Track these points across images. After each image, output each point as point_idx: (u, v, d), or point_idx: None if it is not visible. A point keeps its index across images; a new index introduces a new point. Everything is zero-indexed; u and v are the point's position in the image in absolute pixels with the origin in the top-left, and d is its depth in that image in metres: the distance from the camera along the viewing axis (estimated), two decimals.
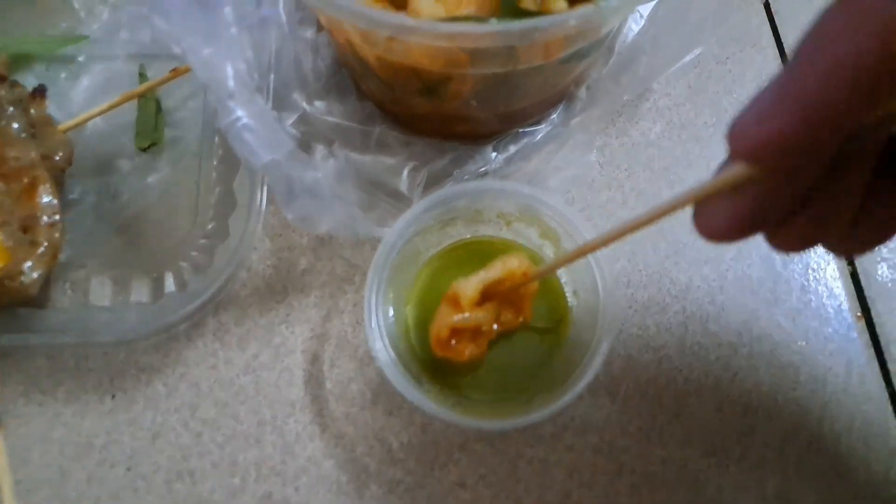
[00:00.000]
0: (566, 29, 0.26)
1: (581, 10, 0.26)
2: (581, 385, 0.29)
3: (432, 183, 0.37)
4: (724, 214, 0.19)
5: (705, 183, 0.19)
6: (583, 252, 0.27)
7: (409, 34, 0.26)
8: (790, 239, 0.20)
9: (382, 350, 0.30)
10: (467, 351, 0.31)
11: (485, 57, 0.29)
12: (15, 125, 0.35)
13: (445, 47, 0.28)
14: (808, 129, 0.15)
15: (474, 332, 0.31)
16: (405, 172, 0.36)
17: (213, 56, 0.28)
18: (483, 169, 0.37)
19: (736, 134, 0.16)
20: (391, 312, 0.33)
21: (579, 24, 0.26)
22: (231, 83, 0.28)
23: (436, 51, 0.29)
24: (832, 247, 0.21)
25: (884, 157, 0.19)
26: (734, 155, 0.17)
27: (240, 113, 0.28)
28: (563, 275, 0.35)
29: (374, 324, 0.31)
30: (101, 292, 0.36)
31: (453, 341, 0.31)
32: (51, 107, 0.37)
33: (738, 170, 0.17)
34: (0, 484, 0.29)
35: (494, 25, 0.26)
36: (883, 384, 0.35)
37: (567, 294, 0.34)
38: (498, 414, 0.30)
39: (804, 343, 0.36)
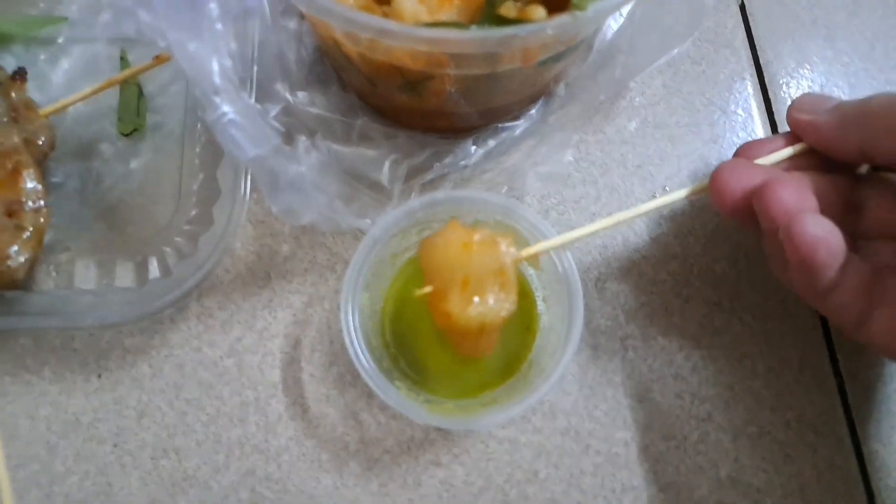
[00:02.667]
0: (543, 37, 0.28)
1: (558, 19, 0.28)
2: (542, 391, 0.32)
3: (413, 175, 0.39)
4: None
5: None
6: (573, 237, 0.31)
7: (391, 38, 0.28)
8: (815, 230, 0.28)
9: (357, 350, 0.32)
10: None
11: (465, 59, 0.31)
12: None
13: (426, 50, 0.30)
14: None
15: None
16: (386, 165, 0.38)
17: (198, 51, 0.30)
18: (463, 163, 0.40)
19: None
20: (367, 310, 0.35)
21: (556, 32, 0.28)
22: (217, 79, 0.29)
23: (417, 51, 0.31)
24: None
25: None
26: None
27: (226, 108, 0.29)
28: (533, 280, 0.37)
29: (349, 321, 0.33)
30: (85, 275, 0.38)
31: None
32: (31, 89, 0.38)
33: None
34: None
35: (474, 32, 0.28)
36: (833, 376, 0.39)
37: (537, 300, 0.37)
38: (466, 412, 0.33)
39: (763, 336, 0.39)
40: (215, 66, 0.29)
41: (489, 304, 0.28)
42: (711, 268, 0.40)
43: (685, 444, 0.38)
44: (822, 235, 0.27)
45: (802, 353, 0.39)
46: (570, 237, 0.30)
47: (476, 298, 0.28)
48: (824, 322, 0.39)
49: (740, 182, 0.29)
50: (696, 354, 0.39)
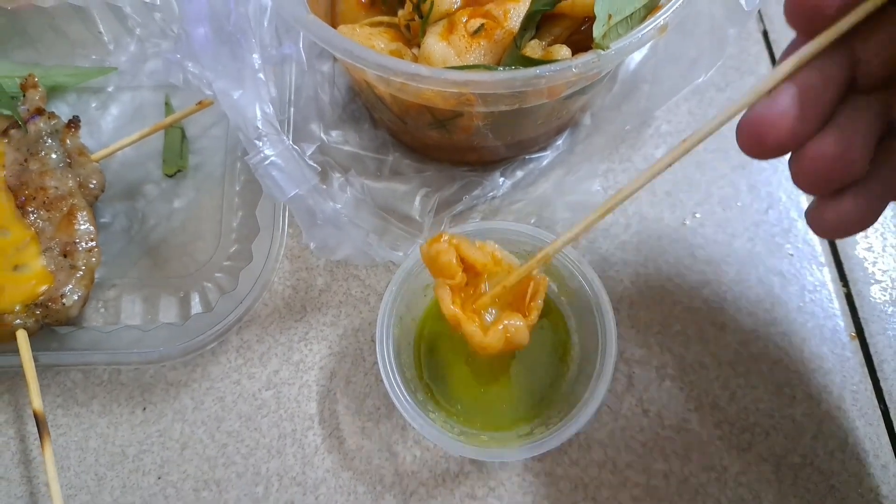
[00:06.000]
0: (568, 76, 0.30)
1: (582, 58, 0.30)
2: (579, 423, 0.33)
3: (443, 208, 0.41)
4: (768, 111, 0.24)
5: (754, 87, 0.24)
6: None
7: (422, 82, 0.30)
8: (815, 160, 0.24)
9: (393, 383, 0.34)
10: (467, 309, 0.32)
11: (493, 97, 0.33)
12: (53, 156, 0.39)
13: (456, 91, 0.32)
14: None
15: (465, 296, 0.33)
16: (417, 199, 0.40)
17: (241, 99, 0.32)
18: (491, 194, 0.41)
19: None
20: (401, 341, 0.37)
21: (581, 71, 0.30)
22: (259, 124, 0.32)
23: (447, 92, 0.33)
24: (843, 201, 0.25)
25: None
26: (789, 13, 0.24)
27: (267, 152, 0.32)
28: (566, 309, 0.38)
29: (384, 354, 0.34)
30: (131, 311, 0.41)
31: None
32: (83, 135, 0.41)
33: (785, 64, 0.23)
34: (50, 489, 0.33)
35: (501, 74, 0.30)
36: (875, 402, 0.39)
37: (570, 329, 0.38)
38: (501, 444, 0.34)
39: (800, 363, 0.39)
40: (258, 113, 0.32)
41: None
42: (745, 294, 0.41)
43: (726, 476, 0.38)
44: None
45: (843, 377, 0.39)
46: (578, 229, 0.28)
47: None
48: (865, 346, 0.39)
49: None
50: (734, 383, 0.39)
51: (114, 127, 0.44)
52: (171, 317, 0.41)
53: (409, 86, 0.33)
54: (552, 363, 0.37)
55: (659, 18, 0.30)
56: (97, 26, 0.45)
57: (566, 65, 0.30)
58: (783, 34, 0.46)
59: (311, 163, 0.34)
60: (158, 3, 0.44)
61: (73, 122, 0.41)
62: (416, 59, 0.36)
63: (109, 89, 0.45)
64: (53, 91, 0.44)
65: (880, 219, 0.42)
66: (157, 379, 0.40)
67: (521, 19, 0.33)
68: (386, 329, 0.35)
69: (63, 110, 0.43)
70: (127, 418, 0.39)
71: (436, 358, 0.38)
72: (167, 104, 0.44)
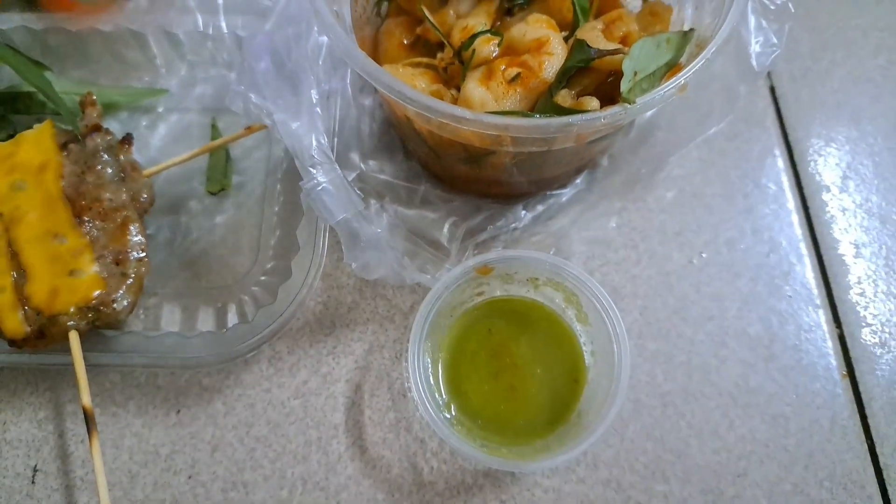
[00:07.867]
0: (597, 125, 0.34)
1: (610, 110, 0.34)
2: (591, 440, 0.36)
3: (469, 236, 0.44)
4: None
5: None
6: None
7: (463, 124, 0.34)
8: None
9: (423, 397, 0.37)
10: None
11: (526, 140, 0.37)
12: (108, 170, 0.42)
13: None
14: None
15: None
16: (446, 226, 0.44)
17: (299, 129, 0.36)
18: (514, 226, 0.45)
19: None
20: (428, 358, 0.40)
21: (609, 121, 0.34)
22: (314, 153, 0.35)
23: (484, 133, 0.37)
24: None
25: None
26: None
27: (321, 178, 0.35)
28: (581, 335, 0.42)
29: (415, 370, 0.37)
30: (171, 319, 0.44)
31: None
32: (133, 152, 0.45)
33: None
34: (97, 480, 0.36)
35: (536, 121, 0.34)
36: (863, 437, 0.42)
37: (585, 353, 0.41)
38: (520, 457, 0.37)
39: (795, 397, 0.43)
40: (313, 143, 0.35)
41: None
42: (746, 330, 0.44)
43: (722, 499, 0.41)
44: None
45: (833, 413, 0.42)
46: None
47: None
48: (855, 384, 0.43)
49: None
50: (732, 412, 0.43)
51: (161, 145, 0.47)
52: (208, 326, 0.44)
53: (449, 125, 0.37)
54: (567, 383, 0.41)
55: (680, 78, 0.34)
56: (152, 50, 0.48)
57: (596, 115, 0.34)
58: (789, 90, 0.50)
59: (356, 190, 0.37)
60: (211, 31, 0.47)
61: (127, 139, 0.44)
62: (454, 100, 0.39)
63: (159, 110, 0.48)
64: (107, 109, 0.47)
65: (872, 267, 0.47)
66: (191, 384, 0.43)
67: (554, 70, 0.37)
68: (417, 347, 0.38)
69: (114, 127, 0.47)
70: (161, 420, 0.42)
71: (457, 375, 0.42)
72: (214, 126, 0.48)
